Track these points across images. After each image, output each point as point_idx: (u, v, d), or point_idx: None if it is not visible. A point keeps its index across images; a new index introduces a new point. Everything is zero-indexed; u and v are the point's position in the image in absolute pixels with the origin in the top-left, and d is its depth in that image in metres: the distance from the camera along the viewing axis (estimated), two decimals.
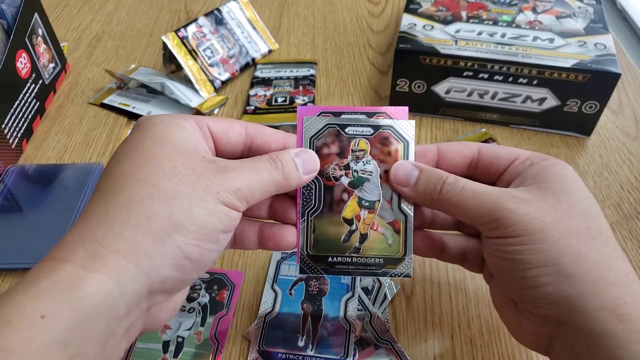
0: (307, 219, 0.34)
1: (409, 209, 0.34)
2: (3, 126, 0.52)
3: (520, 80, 0.53)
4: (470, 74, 0.54)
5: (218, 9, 0.67)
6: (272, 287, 0.42)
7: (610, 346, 0.26)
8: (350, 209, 0.34)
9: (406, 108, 0.34)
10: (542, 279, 0.28)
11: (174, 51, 0.61)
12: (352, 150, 0.33)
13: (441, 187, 0.31)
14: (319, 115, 0.34)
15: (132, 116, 0.60)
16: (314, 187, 0.33)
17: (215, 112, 0.60)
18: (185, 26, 0.63)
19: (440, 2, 0.61)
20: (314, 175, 0.33)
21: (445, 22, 0.58)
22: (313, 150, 0.33)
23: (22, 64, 0.56)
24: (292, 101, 0.60)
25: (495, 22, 0.58)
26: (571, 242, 0.28)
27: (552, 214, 0.29)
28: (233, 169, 0.28)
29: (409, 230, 0.34)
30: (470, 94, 0.56)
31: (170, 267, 0.26)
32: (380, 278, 0.42)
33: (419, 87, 0.57)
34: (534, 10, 0.60)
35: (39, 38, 0.60)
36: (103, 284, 0.24)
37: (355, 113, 0.34)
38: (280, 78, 0.64)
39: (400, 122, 0.34)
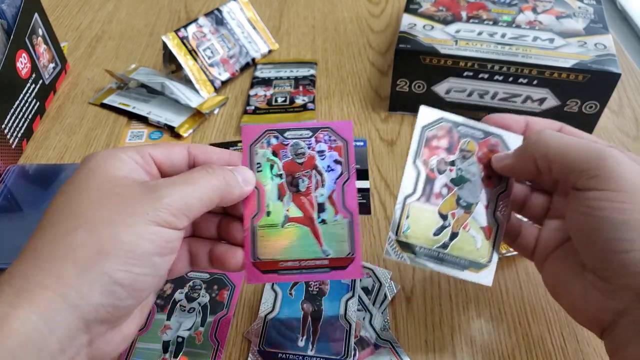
0: (403, 204, 0.34)
1: (503, 218, 0.34)
2: (3, 126, 0.52)
3: (521, 80, 0.53)
4: (470, 74, 0.54)
5: (218, 9, 0.67)
6: (272, 287, 0.42)
7: None
8: (447, 204, 0.34)
9: (350, 122, 0.34)
10: (638, 243, 0.26)
11: (174, 51, 0.61)
12: (461, 149, 0.34)
13: (541, 133, 0.31)
14: (274, 131, 0.33)
15: (132, 116, 0.60)
16: (416, 176, 0.34)
17: (216, 112, 0.60)
18: (185, 26, 0.63)
19: (440, 2, 0.61)
20: (252, 186, 0.32)
21: (445, 22, 0.58)
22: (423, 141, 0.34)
23: (22, 64, 0.56)
24: (292, 101, 0.60)
25: (495, 22, 0.58)
26: None
27: None
28: (163, 186, 0.28)
29: (498, 238, 0.34)
30: (470, 94, 0.56)
31: (100, 294, 0.25)
32: (381, 279, 0.42)
33: (419, 87, 0.57)
34: (534, 10, 0.59)
35: (39, 38, 0.60)
36: (27, 319, 0.23)
37: (300, 129, 0.33)
38: (280, 78, 0.64)
39: (510, 134, 0.35)
